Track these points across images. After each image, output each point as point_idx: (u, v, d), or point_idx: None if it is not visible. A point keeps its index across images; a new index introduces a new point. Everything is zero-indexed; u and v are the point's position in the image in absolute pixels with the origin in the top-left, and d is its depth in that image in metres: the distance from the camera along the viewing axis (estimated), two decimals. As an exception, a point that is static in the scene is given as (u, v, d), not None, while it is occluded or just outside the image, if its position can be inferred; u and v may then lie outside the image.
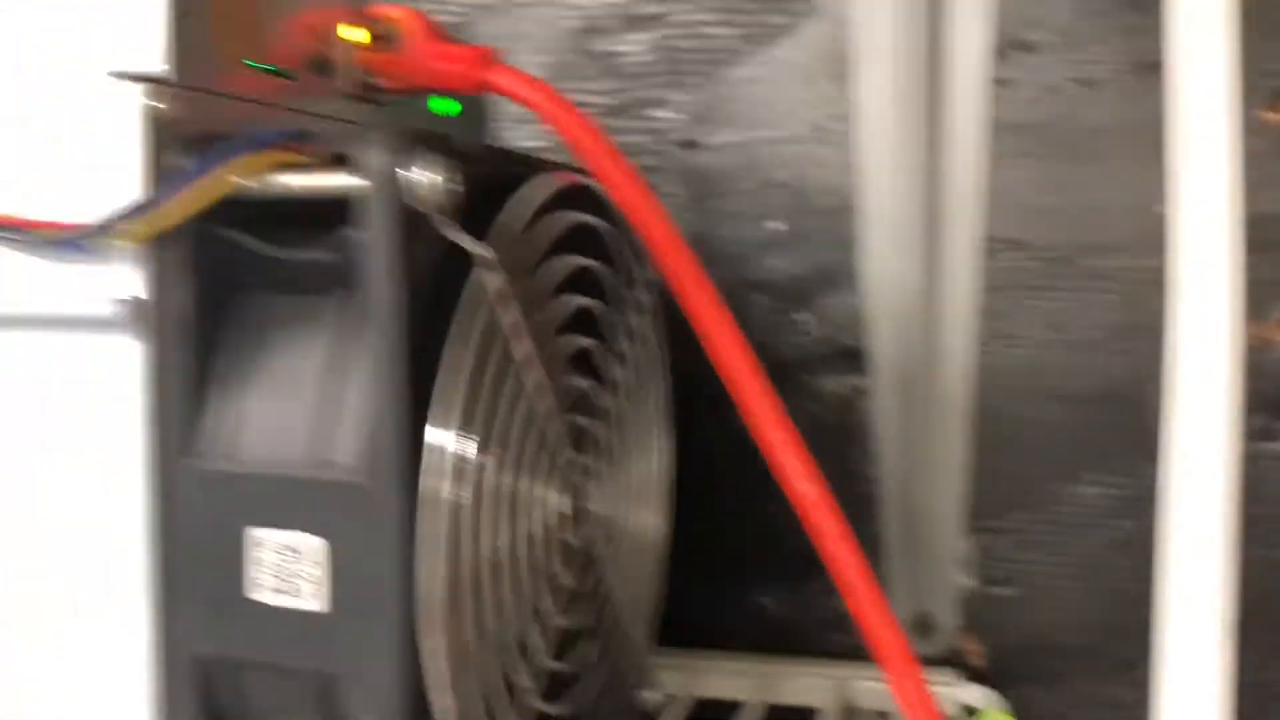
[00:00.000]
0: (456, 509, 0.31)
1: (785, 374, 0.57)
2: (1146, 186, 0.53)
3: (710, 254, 0.57)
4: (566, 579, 0.38)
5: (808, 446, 0.38)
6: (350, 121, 0.37)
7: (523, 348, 0.34)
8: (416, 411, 0.30)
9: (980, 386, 0.55)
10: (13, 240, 0.31)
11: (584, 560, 0.39)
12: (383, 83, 0.40)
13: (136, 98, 0.31)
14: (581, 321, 0.39)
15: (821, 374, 0.57)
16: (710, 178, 0.58)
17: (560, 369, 0.38)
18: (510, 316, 0.34)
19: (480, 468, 0.32)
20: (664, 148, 0.59)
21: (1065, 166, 0.54)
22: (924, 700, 0.36)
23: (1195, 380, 0.34)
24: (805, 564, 0.57)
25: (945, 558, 0.55)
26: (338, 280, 0.32)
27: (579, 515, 0.39)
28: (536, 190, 0.36)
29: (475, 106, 0.46)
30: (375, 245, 0.30)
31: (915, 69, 0.55)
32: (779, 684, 0.53)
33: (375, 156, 0.30)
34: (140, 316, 0.31)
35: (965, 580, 0.56)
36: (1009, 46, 0.54)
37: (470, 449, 0.31)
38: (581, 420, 0.39)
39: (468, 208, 0.31)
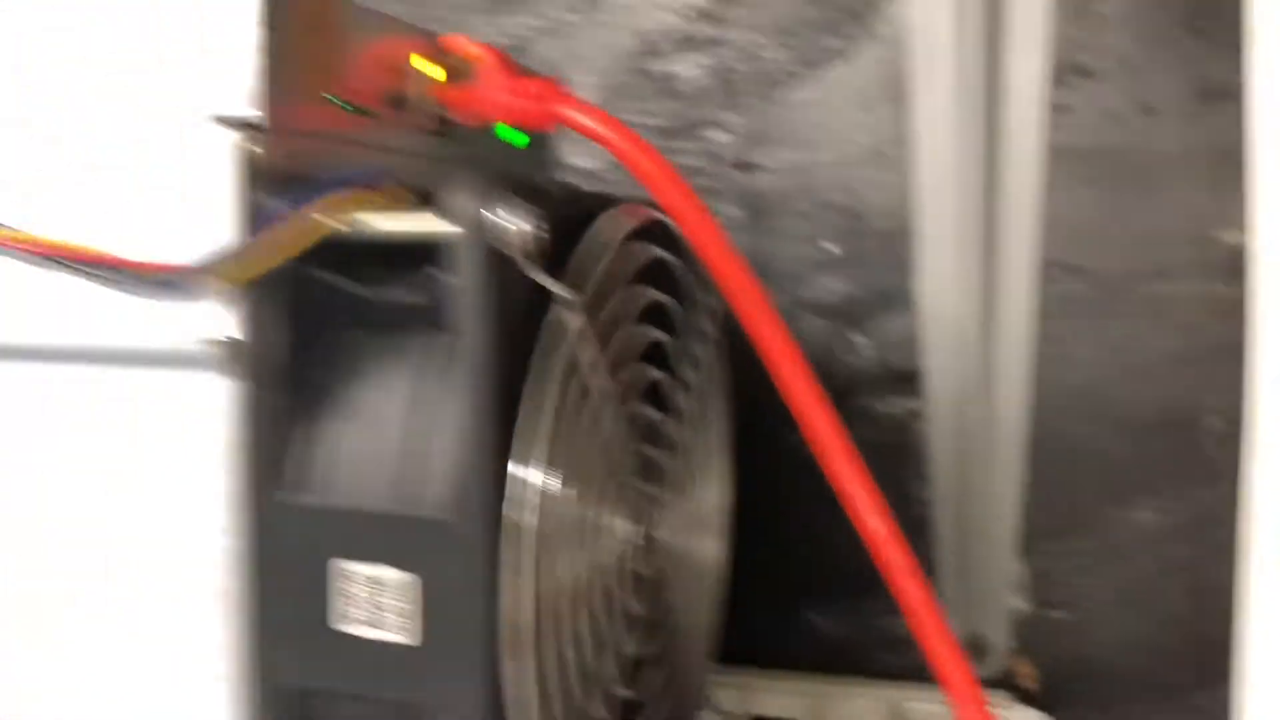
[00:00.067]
0: (540, 542, 0.31)
1: (840, 395, 0.58)
2: (1207, 213, 0.53)
3: (765, 274, 0.57)
4: (637, 607, 0.39)
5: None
6: (437, 159, 0.38)
7: (600, 382, 0.35)
8: (502, 448, 0.31)
9: (1036, 411, 0.55)
10: (110, 279, 0.32)
11: (653, 589, 0.40)
12: (455, 115, 0.40)
13: (230, 140, 0.32)
14: (649, 350, 0.40)
15: (876, 396, 0.57)
16: (766, 199, 0.59)
17: (631, 399, 0.38)
18: (588, 353, 0.34)
19: (562, 501, 0.33)
20: (719, 169, 0.59)
21: (1124, 192, 0.54)
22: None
23: (1277, 403, 0.35)
24: (859, 585, 0.57)
25: (999, 580, 0.56)
26: (422, 318, 0.32)
27: (648, 544, 0.40)
28: (610, 227, 0.36)
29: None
30: (465, 289, 0.31)
31: (974, 93, 0.55)
32: (833, 704, 0.53)
33: (465, 202, 0.31)
34: (233, 356, 0.32)
35: (1018, 603, 0.56)
36: (1068, 72, 0.54)
37: (553, 483, 0.32)
38: (650, 450, 0.40)
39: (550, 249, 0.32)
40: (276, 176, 0.32)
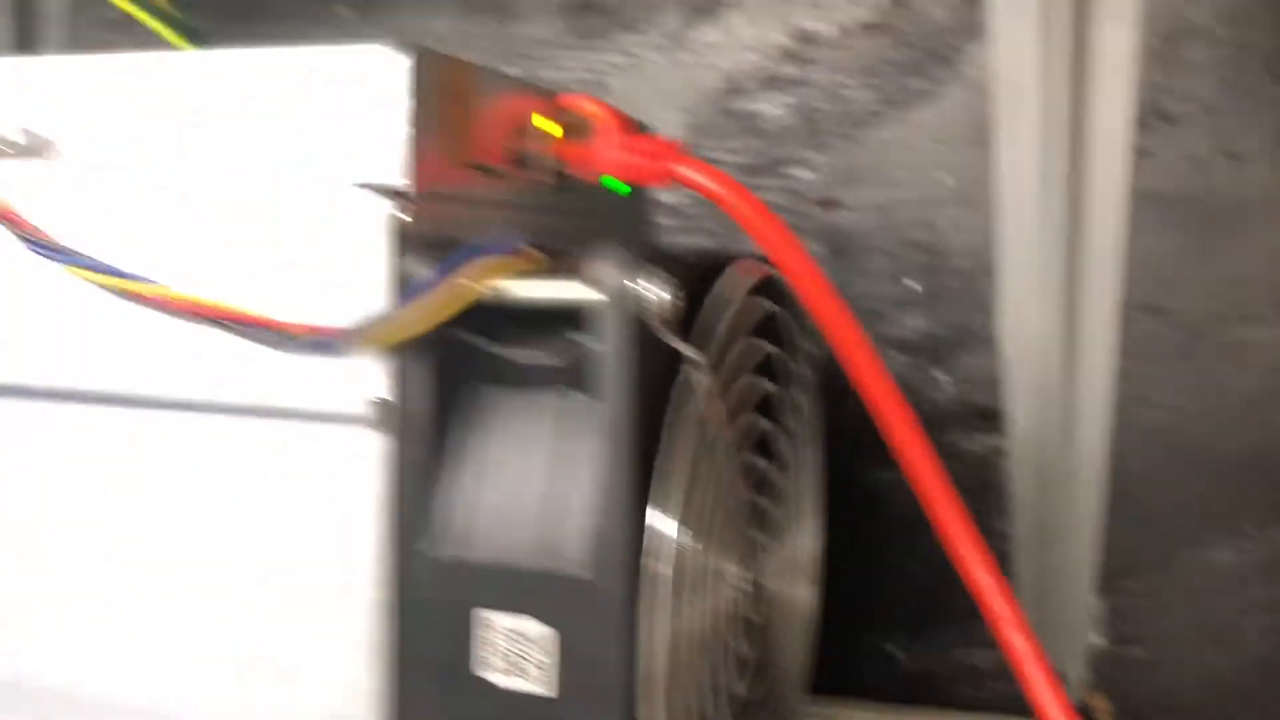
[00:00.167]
0: (676, 597, 0.33)
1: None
2: (1291, 259, 0.54)
3: (846, 311, 0.58)
4: (748, 651, 0.40)
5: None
6: (558, 213, 0.39)
7: (722, 435, 0.36)
8: (640, 506, 0.32)
9: (1116, 449, 0.56)
10: (266, 339, 0.33)
11: (760, 633, 0.41)
12: (572, 171, 0.42)
13: (378, 207, 0.33)
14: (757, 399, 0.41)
15: (957, 432, 0.58)
16: (848, 236, 0.60)
17: (744, 449, 0.40)
18: (714, 410, 0.35)
19: (692, 553, 0.34)
20: (802, 206, 0.60)
21: (1207, 236, 0.55)
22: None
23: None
24: (937, 618, 0.59)
25: (1077, 616, 0.57)
26: (561, 378, 0.34)
27: (755, 590, 0.41)
28: (730, 285, 0.38)
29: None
30: (607, 354, 0.32)
31: (1058, 136, 0.56)
32: (913, 736, 0.55)
33: (609, 272, 0.32)
34: (386, 415, 0.33)
35: (1096, 639, 0.57)
36: (1152, 116, 0.55)
37: (687, 539, 0.33)
38: (758, 498, 0.41)
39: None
40: (424, 242, 0.34)
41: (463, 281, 0.33)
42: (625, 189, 0.46)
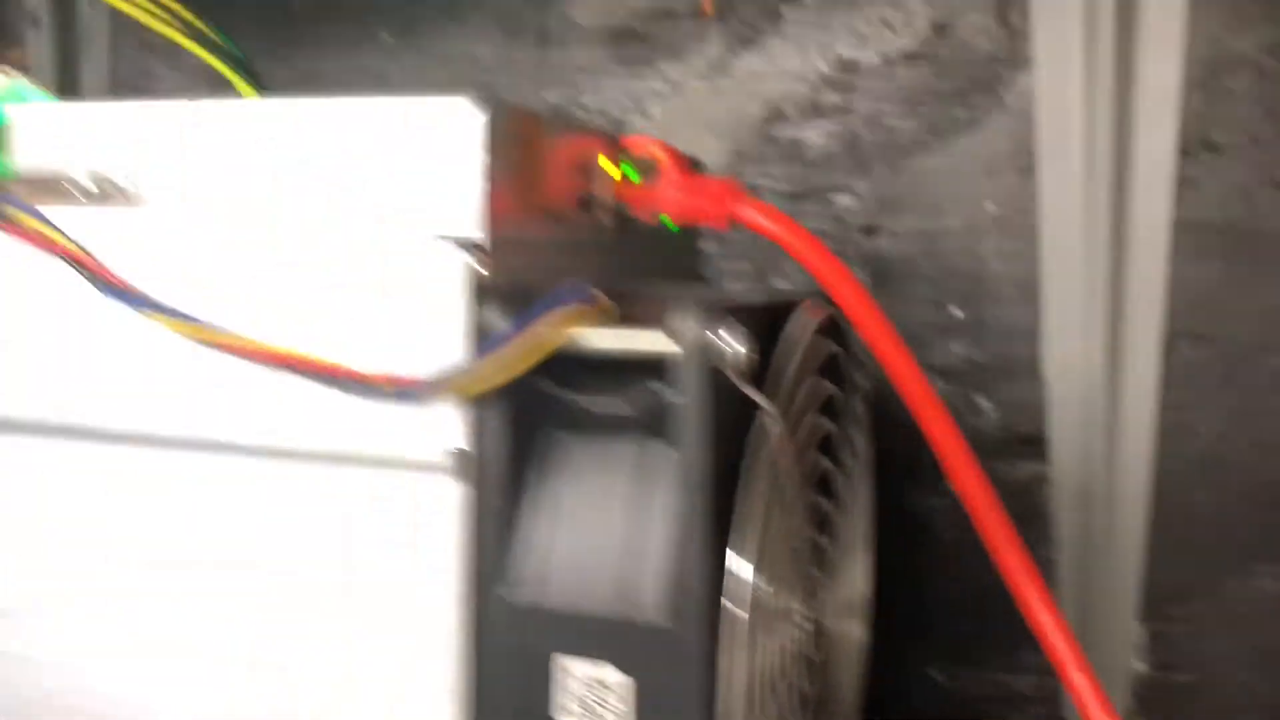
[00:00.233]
0: (751, 641, 0.33)
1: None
2: (1335, 290, 0.54)
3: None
4: (810, 690, 0.40)
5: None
6: (620, 253, 0.40)
7: (793, 478, 0.37)
8: (718, 555, 0.33)
9: (1159, 477, 0.56)
10: (352, 389, 0.34)
11: (819, 671, 0.42)
12: (634, 213, 0.42)
13: (455, 258, 0.34)
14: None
15: (1000, 459, 0.58)
16: (891, 263, 0.60)
17: (808, 488, 0.40)
18: (786, 454, 0.36)
19: (768, 599, 0.34)
20: (845, 233, 0.61)
21: (1251, 266, 0.55)
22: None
23: None
24: (980, 643, 0.59)
25: (1120, 642, 0.57)
26: (637, 426, 0.34)
27: (817, 629, 0.41)
28: (797, 329, 0.38)
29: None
30: (687, 405, 0.32)
31: (1102, 165, 0.56)
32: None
33: (688, 325, 0.32)
34: (465, 464, 0.34)
35: (1139, 665, 0.57)
36: (1196, 146, 0.56)
37: (763, 585, 0.34)
38: (818, 537, 0.42)
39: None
40: (500, 292, 0.34)
41: (541, 332, 0.33)
42: (674, 226, 0.46)
